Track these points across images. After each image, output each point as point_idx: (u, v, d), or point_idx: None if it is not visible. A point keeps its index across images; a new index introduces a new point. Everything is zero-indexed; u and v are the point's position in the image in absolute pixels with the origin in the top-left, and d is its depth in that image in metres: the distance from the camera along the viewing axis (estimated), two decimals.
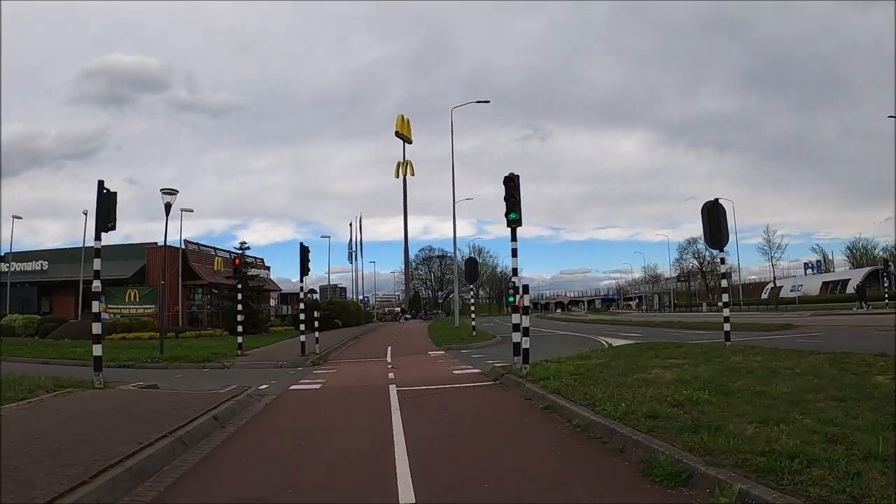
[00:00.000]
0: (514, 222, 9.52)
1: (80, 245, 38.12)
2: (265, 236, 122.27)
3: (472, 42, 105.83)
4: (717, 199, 13.26)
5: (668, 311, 64.87)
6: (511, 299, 9.79)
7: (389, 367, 12.91)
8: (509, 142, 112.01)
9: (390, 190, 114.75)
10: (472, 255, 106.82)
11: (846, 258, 70.33)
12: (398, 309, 75.38)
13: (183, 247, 37.82)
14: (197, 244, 39.11)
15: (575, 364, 10.07)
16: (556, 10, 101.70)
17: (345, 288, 70.08)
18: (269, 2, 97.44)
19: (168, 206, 16.93)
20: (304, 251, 16.74)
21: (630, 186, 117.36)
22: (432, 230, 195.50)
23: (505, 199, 9.62)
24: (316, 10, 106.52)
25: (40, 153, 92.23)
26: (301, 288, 17.12)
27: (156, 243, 37.48)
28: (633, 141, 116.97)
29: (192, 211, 31.93)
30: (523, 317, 9.33)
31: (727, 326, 13.01)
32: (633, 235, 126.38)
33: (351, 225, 61.70)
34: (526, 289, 9.43)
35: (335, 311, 34.21)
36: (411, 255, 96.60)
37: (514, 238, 9.72)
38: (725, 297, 13.81)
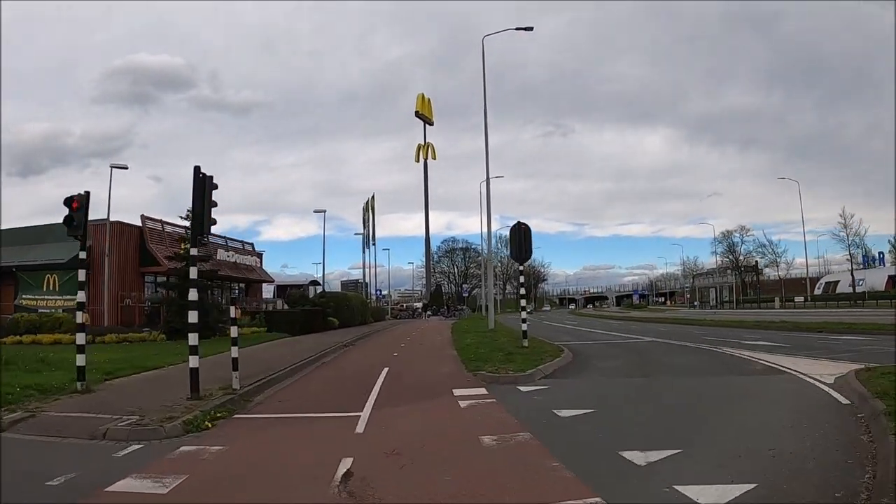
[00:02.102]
0: None
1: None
2: (289, 232, 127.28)
3: (494, 39, 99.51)
4: None
5: (728, 307, 55.42)
6: None
7: (341, 476, 4.30)
8: (532, 139, 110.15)
9: (413, 186, 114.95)
10: (500, 247, 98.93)
11: (890, 253, 63.04)
12: (418, 304, 66.80)
13: (140, 224, 30.11)
14: (161, 221, 31.19)
15: None
16: (578, 6, 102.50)
17: (367, 283, 61.33)
18: (292, 1, 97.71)
19: None
20: (203, 183, 8.33)
21: (653, 183, 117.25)
22: (455, 226, 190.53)
23: None
24: (339, 9, 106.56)
25: (66, 151, 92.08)
26: (192, 259, 8.56)
27: (107, 219, 29.74)
28: (657, 137, 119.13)
29: (126, 168, 23.66)
30: None
31: None
32: (657, 232, 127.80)
33: (364, 210, 53.29)
34: None
35: (330, 306, 25.87)
36: (433, 249, 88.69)
37: None
38: None
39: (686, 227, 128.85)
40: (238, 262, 35.77)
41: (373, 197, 53.42)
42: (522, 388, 8.31)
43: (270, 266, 43.48)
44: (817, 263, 63.80)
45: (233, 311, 8.90)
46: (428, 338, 21.76)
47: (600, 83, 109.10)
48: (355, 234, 42.59)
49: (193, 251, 8.48)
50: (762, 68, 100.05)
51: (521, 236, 14.34)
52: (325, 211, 28.70)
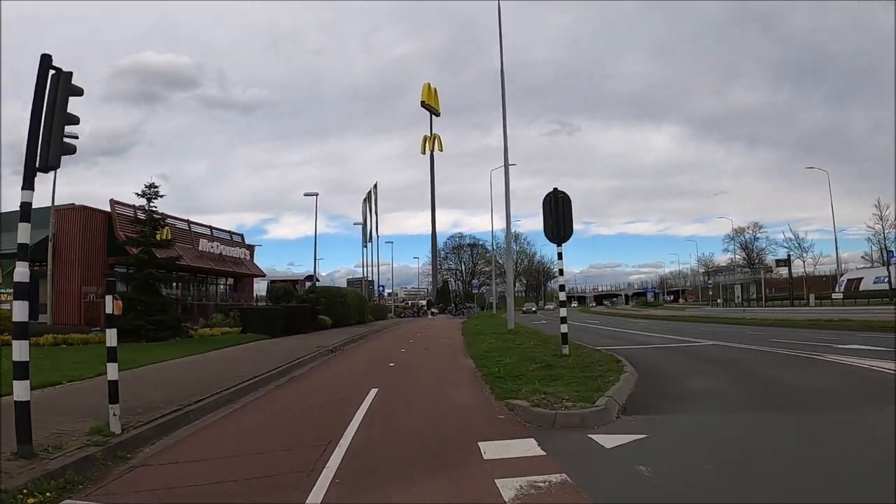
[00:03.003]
0: None
1: None
2: (295, 230, 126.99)
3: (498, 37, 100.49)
4: None
5: (754, 305, 51.46)
6: None
7: None
8: (538, 136, 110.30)
9: (419, 184, 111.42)
10: (511, 241, 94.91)
11: None
12: (423, 302, 63.17)
13: (109, 209, 26.63)
14: (133, 207, 27.72)
15: None
16: (584, 5, 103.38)
17: (372, 281, 56.74)
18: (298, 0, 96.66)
19: None
20: (54, 83, 4.78)
21: (660, 181, 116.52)
22: (462, 224, 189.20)
23: None
24: (345, 7, 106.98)
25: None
26: (25, 213, 4.90)
27: (72, 204, 26.49)
28: (663, 135, 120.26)
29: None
30: None
31: None
32: (664, 230, 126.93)
33: (365, 201, 49.61)
34: None
35: (320, 302, 22.29)
36: (440, 246, 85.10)
37: None
38: None
39: (692, 225, 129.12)
40: (224, 254, 32.24)
41: (375, 186, 49.84)
42: (604, 442, 4.67)
43: (278, 264, 40.05)
44: (830, 261, 60.71)
45: (109, 305, 5.27)
46: (435, 341, 18.15)
47: (606, 81, 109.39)
48: (354, 223, 38.88)
49: (27, 195, 4.82)
50: (768, 65, 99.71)
51: (559, 208, 10.72)
52: (317, 194, 25.06)
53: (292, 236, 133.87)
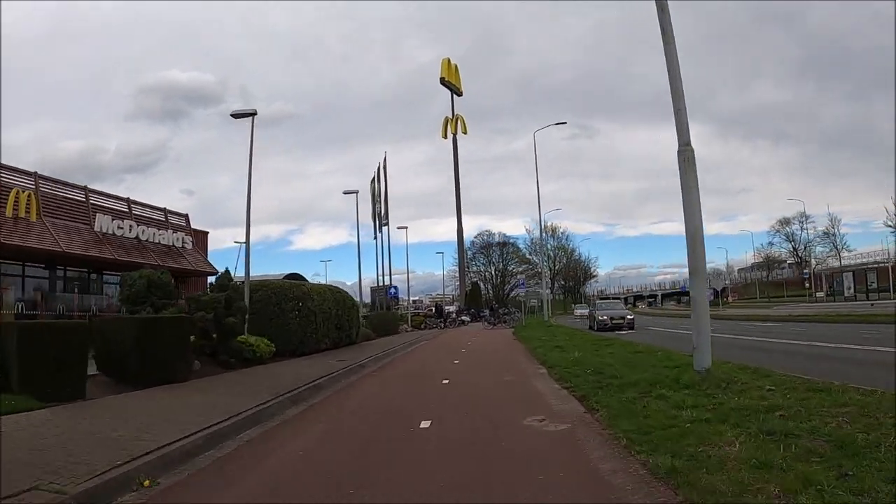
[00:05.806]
0: None
1: None
2: (321, 240, 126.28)
3: (521, 42, 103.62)
4: None
5: (874, 297, 39.25)
6: None
7: None
8: (560, 140, 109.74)
9: (446, 191, 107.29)
10: (547, 236, 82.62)
11: None
12: (451, 308, 51.05)
13: None
14: None
15: None
16: (604, 7, 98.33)
17: (395, 287, 41.12)
18: (321, 4, 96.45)
19: None
20: None
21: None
22: (488, 229, 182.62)
23: None
24: (367, 15, 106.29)
25: (101, 168, 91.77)
26: None
27: None
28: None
29: None
30: None
31: None
32: None
33: (373, 182, 38.15)
34: None
35: (237, 310, 10.91)
36: (466, 246, 73.74)
37: None
38: None
39: (718, 223, 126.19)
40: (148, 239, 21.30)
41: (384, 160, 38.55)
42: None
43: (303, 274, 29.84)
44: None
45: None
46: (516, 442, 6.20)
47: (629, 82, 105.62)
48: (344, 192, 26.51)
49: None
50: (792, 62, 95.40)
51: None
52: (254, 113, 13.68)
53: (317, 247, 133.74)
